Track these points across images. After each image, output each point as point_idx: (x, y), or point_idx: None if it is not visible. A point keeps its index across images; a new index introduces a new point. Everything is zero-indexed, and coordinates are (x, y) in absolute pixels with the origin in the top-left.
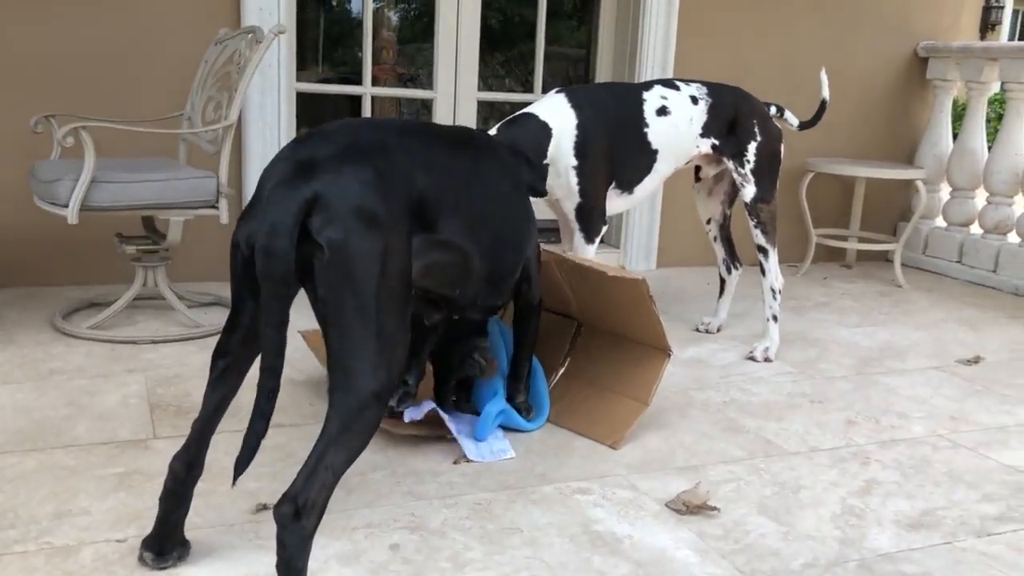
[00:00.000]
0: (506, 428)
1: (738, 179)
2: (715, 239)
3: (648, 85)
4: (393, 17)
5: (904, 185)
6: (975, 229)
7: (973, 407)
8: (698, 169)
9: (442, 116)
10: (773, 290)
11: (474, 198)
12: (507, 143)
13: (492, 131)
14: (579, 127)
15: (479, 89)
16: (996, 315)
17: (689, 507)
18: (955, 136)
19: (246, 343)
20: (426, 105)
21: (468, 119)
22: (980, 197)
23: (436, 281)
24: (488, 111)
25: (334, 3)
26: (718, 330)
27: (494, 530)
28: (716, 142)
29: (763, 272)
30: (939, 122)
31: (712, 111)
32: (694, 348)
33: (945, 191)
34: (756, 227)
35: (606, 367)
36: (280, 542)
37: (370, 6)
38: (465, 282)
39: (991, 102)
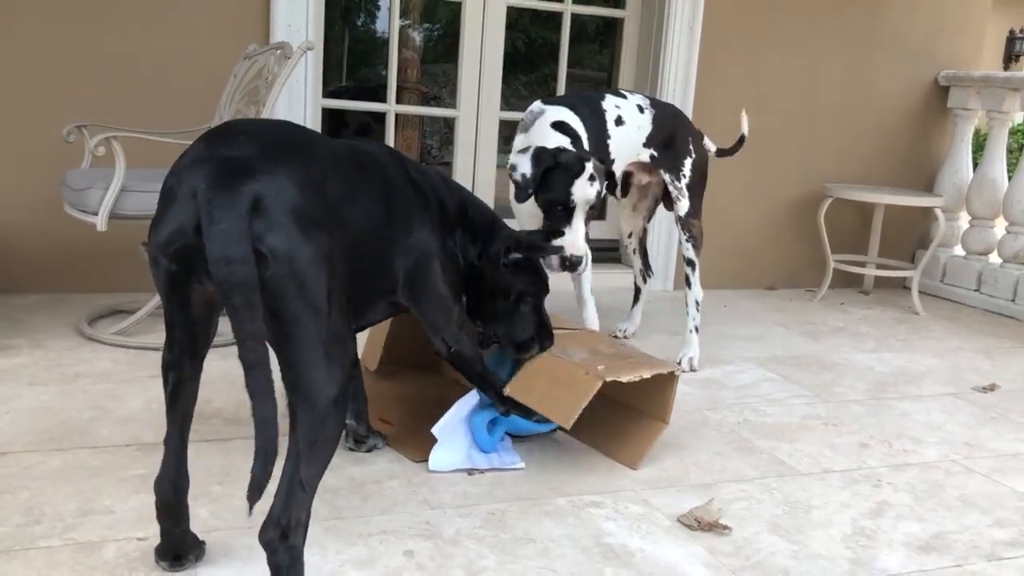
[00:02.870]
0: (517, 436)
1: (674, 192)
2: (634, 251)
3: (602, 95)
4: (417, 36)
5: (923, 212)
6: (994, 258)
7: (988, 434)
8: (626, 185)
9: (464, 134)
10: (697, 302)
11: (358, 212)
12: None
13: (551, 140)
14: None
15: (501, 108)
16: (1014, 344)
17: (701, 523)
18: (975, 165)
19: (188, 354)
20: (448, 123)
21: (490, 138)
22: (999, 226)
23: None
24: (510, 130)
25: (359, 22)
26: (632, 335)
27: (507, 540)
28: (655, 153)
29: (688, 285)
30: (959, 151)
31: (655, 123)
32: (709, 369)
33: (964, 219)
34: (688, 241)
35: (628, 384)
36: (272, 565)
37: (396, 25)
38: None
39: (1012, 132)
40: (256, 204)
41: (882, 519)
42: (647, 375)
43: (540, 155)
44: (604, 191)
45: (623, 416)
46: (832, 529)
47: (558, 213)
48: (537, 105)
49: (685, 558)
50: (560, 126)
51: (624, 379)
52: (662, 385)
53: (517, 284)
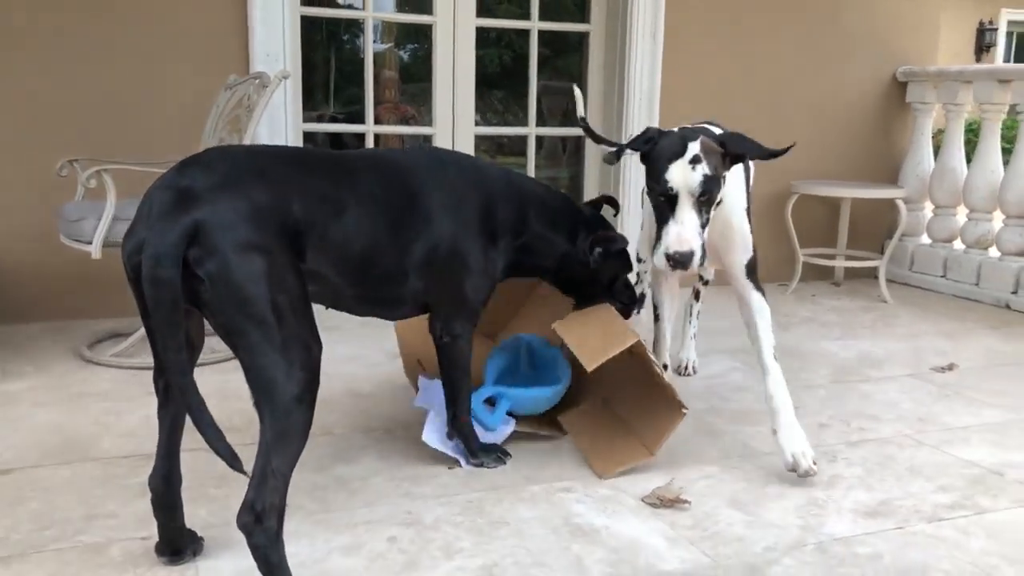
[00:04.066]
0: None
1: None
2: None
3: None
4: (396, 57)
5: (888, 204)
6: (958, 245)
7: (941, 410)
8: None
9: None
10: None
11: (346, 228)
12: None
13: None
14: None
15: (476, 124)
16: (976, 326)
17: (663, 501)
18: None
19: None
20: (426, 141)
21: (466, 152)
22: (961, 214)
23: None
24: (487, 144)
25: (342, 45)
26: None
27: (483, 524)
28: None
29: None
30: (920, 143)
31: None
32: None
33: (928, 209)
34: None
35: (632, 395)
36: (252, 547)
37: (370, 48)
38: (337, 301)
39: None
40: (195, 231)
41: (834, 490)
42: (664, 384)
43: (640, 137)
44: (722, 176)
45: (615, 429)
46: (786, 501)
47: (660, 204)
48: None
49: (647, 532)
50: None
51: (652, 365)
52: (666, 417)
53: (609, 271)
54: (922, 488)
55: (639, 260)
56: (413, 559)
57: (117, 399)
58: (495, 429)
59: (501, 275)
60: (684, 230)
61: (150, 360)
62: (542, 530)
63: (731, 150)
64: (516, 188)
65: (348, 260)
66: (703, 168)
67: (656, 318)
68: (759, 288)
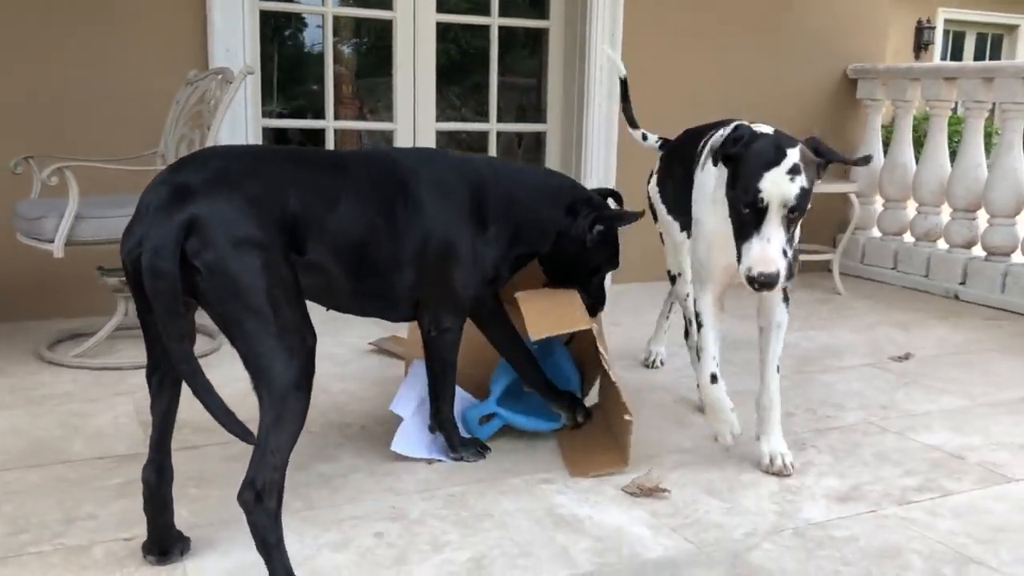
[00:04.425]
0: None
1: None
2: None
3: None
4: (346, 51)
5: (840, 198)
6: (908, 238)
7: (901, 397)
8: None
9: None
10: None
11: (341, 220)
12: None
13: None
14: None
15: (437, 120)
16: (927, 316)
17: (643, 490)
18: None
19: (164, 354)
20: (386, 137)
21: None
22: (911, 208)
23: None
24: (446, 140)
25: (280, 41)
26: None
27: (468, 516)
28: None
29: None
30: (870, 138)
31: None
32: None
33: (879, 203)
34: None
35: (603, 405)
36: (251, 524)
37: (330, 42)
38: (332, 297)
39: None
40: (192, 225)
41: (806, 477)
42: (613, 384)
43: (730, 136)
44: (813, 189)
45: (599, 434)
46: (761, 488)
47: (743, 215)
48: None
49: (630, 521)
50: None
51: (605, 357)
52: (623, 427)
53: (597, 258)
54: (890, 473)
55: (671, 277)
56: (402, 553)
57: (82, 400)
58: (527, 423)
59: (497, 269)
60: (770, 249)
61: (115, 360)
62: (526, 521)
63: (827, 158)
64: (504, 175)
65: (345, 251)
66: (801, 180)
67: (698, 325)
68: (787, 298)
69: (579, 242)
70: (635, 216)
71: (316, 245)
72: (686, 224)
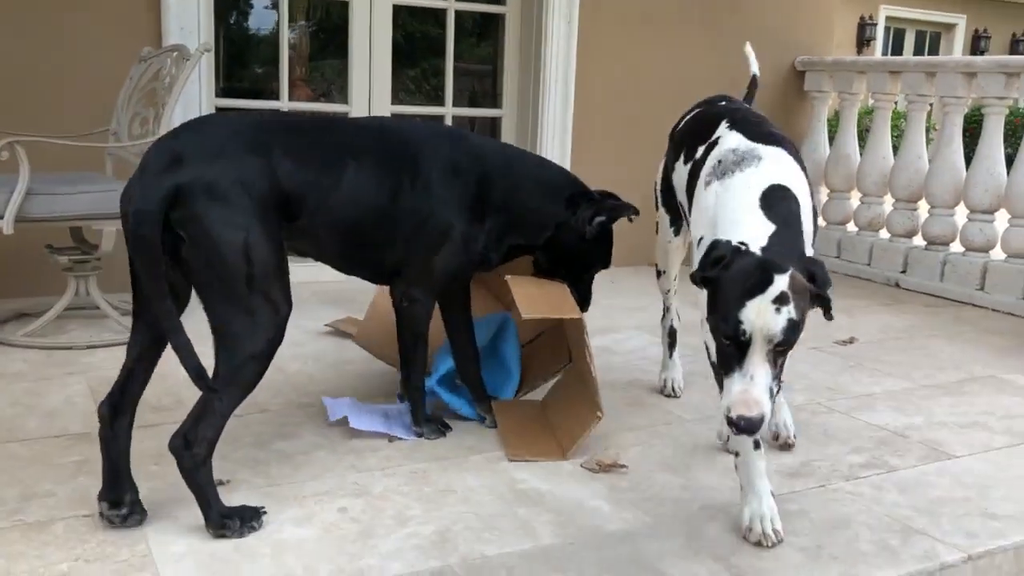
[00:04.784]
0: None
1: None
2: (675, 292)
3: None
4: (300, 32)
5: None
6: (851, 227)
7: (847, 380)
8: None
9: None
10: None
11: (340, 194)
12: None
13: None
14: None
15: (392, 103)
16: (870, 303)
17: (601, 466)
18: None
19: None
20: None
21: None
22: (855, 198)
23: (300, 253)
24: None
25: (233, 21)
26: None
27: (431, 492)
28: None
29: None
30: (816, 130)
31: None
32: (600, 337)
33: (824, 193)
34: None
35: (563, 398)
36: (180, 467)
37: (285, 22)
38: (323, 257)
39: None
40: (177, 194)
41: None
42: (591, 379)
43: (707, 255)
44: (804, 321)
45: (540, 426)
46: (715, 464)
47: (725, 348)
48: (737, 138)
49: (589, 495)
50: (774, 196)
51: (588, 352)
52: (585, 419)
53: (594, 253)
54: (837, 450)
55: (658, 272)
56: (367, 528)
57: (35, 379)
58: (462, 408)
59: (486, 254)
60: (753, 390)
61: (66, 340)
62: (489, 496)
63: (822, 288)
64: (513, 166)
65: (341, 223)
66: (789, 311)
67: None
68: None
69: (578, 235)
70: (633, 209)
71: (310, 216)
72: (675, 222)
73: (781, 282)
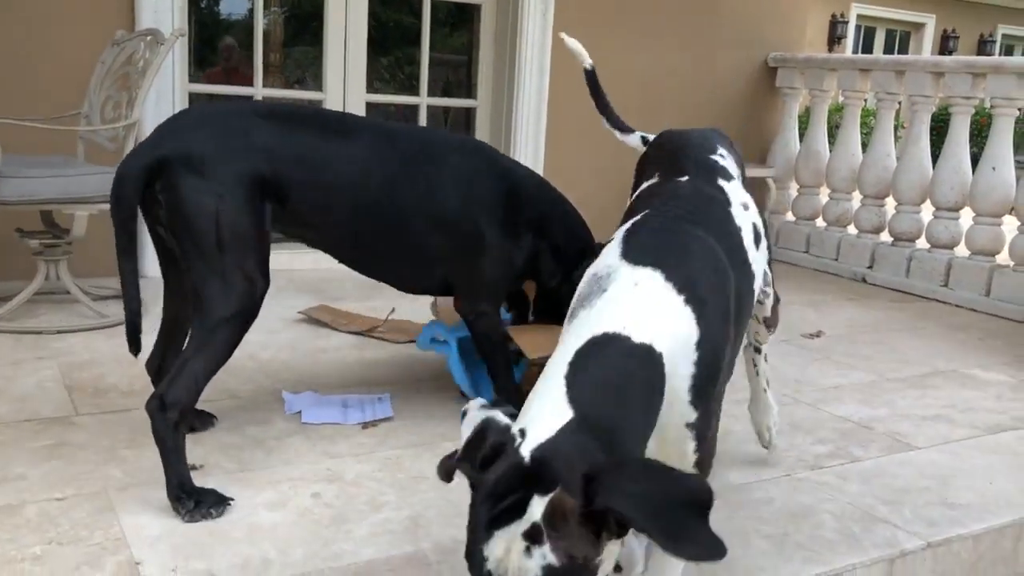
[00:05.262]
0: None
1: None
2: None
3: (715, 180)
4: (272, 18)
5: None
6: (820, 222)
7: (814, 372)
8: None
9: None
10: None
11: (330, 177)
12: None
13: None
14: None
15: (367, 91)
16: (836, 297)
17: None
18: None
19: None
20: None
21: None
22: (824, 194)
23: (310, 242)
24: (376, 113)
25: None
26: None
27: (404, 478)
28: None
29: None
30: (788, 126)
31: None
32: None
33: (794, 188)
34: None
35: None
36: (153, 430)
37: (260, 7)
38: (338, 250)
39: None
40: (160, 165)
41: (726, 443)
42: None
43: (474, 436)
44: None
45: None
46: None
47: None
48: (613, 248)
49: None
50: (594, 357)
51: None
52: None
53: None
54: (803, 441)
55: None
56: (340, 512)
57: (4, 364)
58: (462, 382)
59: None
60: None
61: (35, 324)
62: (462, 482)
63: (604, 504)
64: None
65: (333, 211)
66: (543, 556)
67: None
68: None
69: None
70: None
71: (300, 200)
72: None
73: (536, 508)
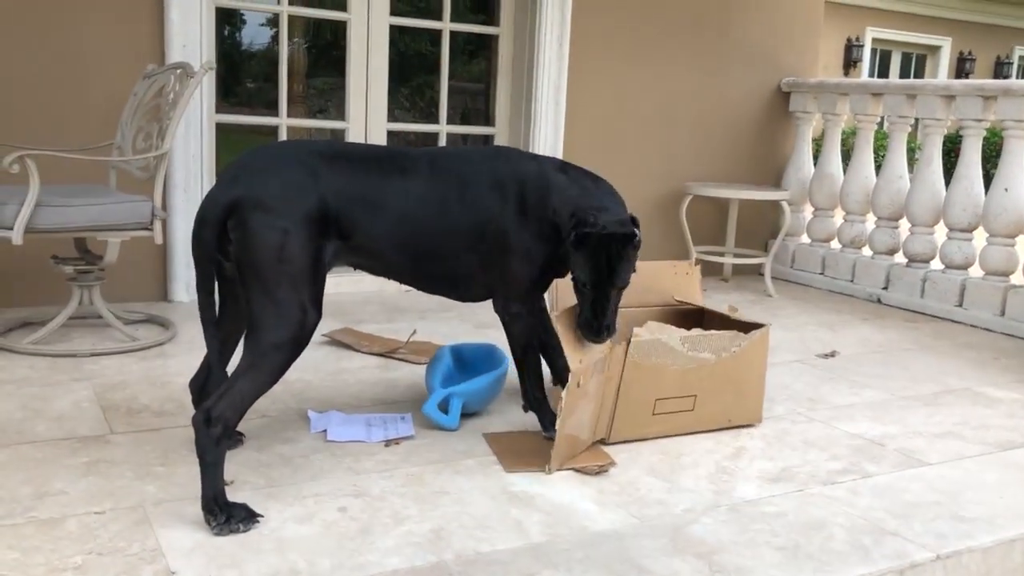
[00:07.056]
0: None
1: None
2: None
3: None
4: (296, 50)
5: (772, 206)
6: (835, 244)
7: (827, 391)
8: None
9: None
10: None
11: (391, 212)
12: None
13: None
14: None
15: (388, 120)
16: (851, 318)
17: (590, 469)
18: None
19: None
20: (337, 135)
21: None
22: (838, 216)
23: (372, 271)
24: (396, 141)
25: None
26: None
27: (427, 493)
28: None
29: None
30: (801, 149)
31: None
32: None
33: (808, 211)
34: None
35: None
36: (196, 443)
37: (285, 40)
38: (400, 275)
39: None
40: (233, 205)
41: (740, 460)
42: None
43: None
44: None
45: (533, 442)
46: (699, 470)
47: None
48: None
49: (578, 498)
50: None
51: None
52: (587, 452)
53: (573, 266)
54: (816, 457)
55: None
56: (365, 526)
57: (41, 385)
58: (455, 427)
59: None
60: None
61: (70, 348)
62: (482, 498)
63: None
64: (568, 172)
65: (396, 240)
66: None
67: None
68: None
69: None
70: (616, 237)
71: (364, 234)
72: None
73: None
